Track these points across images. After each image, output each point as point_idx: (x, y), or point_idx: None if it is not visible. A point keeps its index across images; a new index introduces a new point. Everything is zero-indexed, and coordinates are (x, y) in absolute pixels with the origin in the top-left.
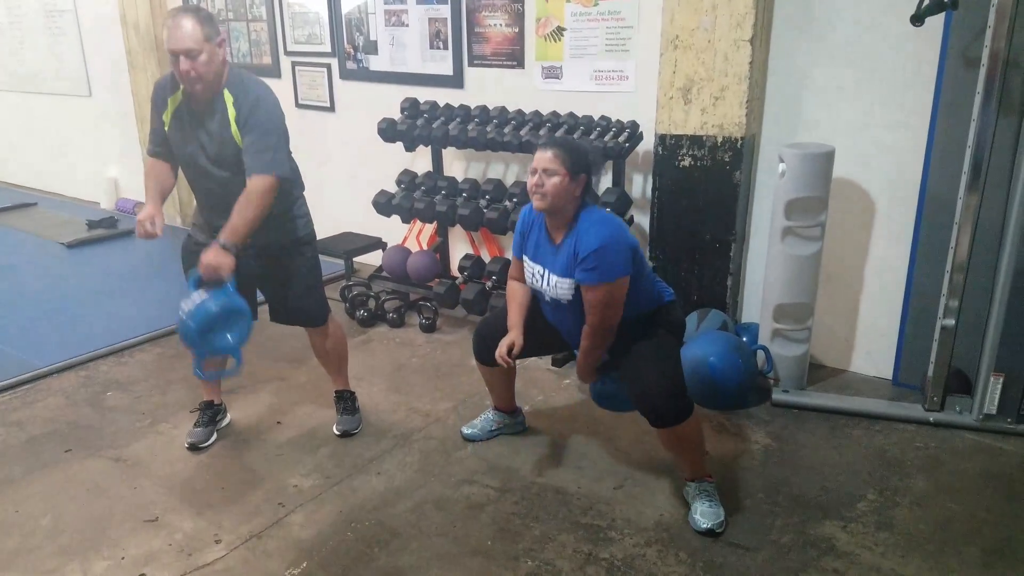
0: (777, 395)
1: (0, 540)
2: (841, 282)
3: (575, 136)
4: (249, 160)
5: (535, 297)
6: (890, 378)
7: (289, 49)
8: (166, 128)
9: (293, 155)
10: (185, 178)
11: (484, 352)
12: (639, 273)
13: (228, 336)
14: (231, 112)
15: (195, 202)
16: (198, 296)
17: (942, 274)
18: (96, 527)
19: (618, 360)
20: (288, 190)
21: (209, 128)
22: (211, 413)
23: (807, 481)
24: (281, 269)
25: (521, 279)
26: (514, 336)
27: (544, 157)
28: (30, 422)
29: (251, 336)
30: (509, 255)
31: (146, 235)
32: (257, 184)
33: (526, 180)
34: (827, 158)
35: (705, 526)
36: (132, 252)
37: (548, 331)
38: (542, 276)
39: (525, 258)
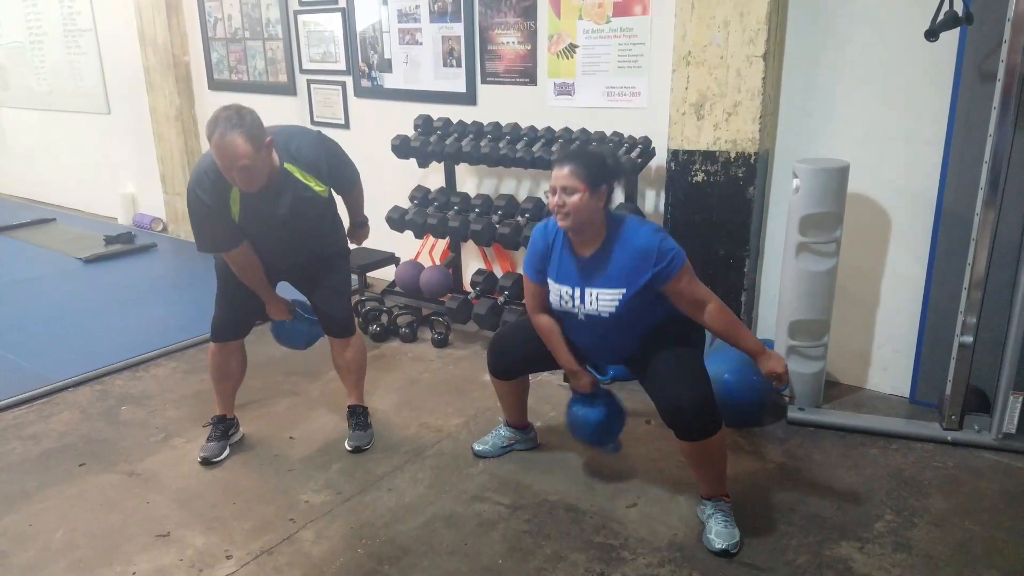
0: (793, 413)
1: (14, 554)
2: (857, 298)
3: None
4: (344, 178)
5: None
6: (907, 396)
7: (304, 67)
8: (235, 219)
9: None
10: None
11: (499, 366)
12: None
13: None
14: (301, 177)
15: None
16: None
17: (960, 290)
18: (108, 542)
19: (643, 369)
20: (334, 204)
21: (284, 201)
22: (224, 427)
23: (823, 501)
24: (320, 275)
25: (546, 309)
26: (584, 378)
27: (561, 175)
28: (45, 436)
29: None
30: (521, 270)
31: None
32: (359, 185)
33: (540, 196)
34: (842, 173)
35: (720, 546)
36: (148, 267)
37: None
38: (571, 296)
39: (550, 282)
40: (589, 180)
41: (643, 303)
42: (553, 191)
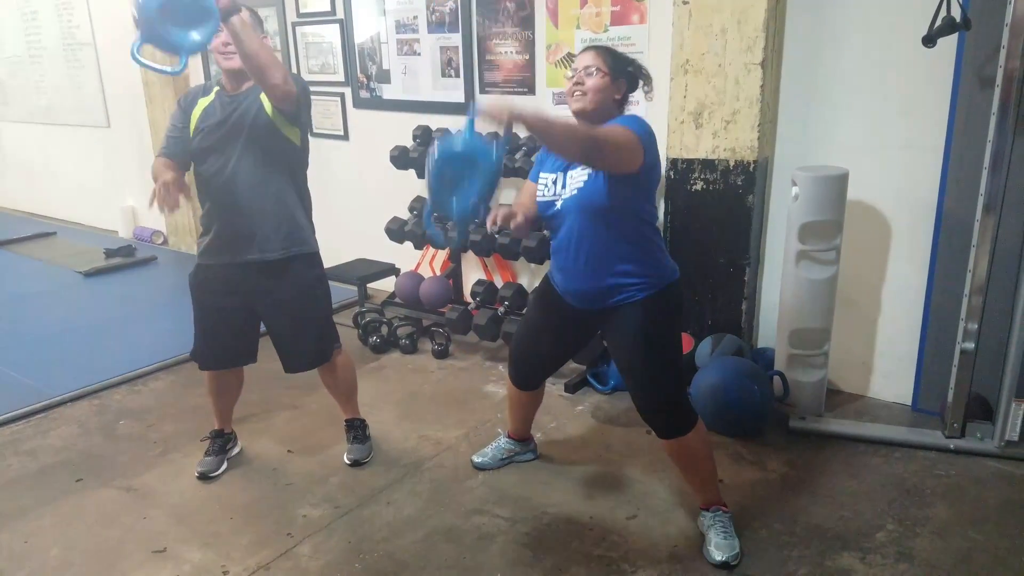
0: (794, 422)
1: (9, 573)
2: (858, 306)
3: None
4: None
5: (545, 296)
6: (909, 403)
7: (303, 79)
8: (191, 127)
9: (308, 183)
10: (197, 184)
11: (519, 376)
12: (648, 177)
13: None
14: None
15: (202, 224)
16: None
17: (961, 297)
18: (105, 559)
19: (619, 361)
20: (294, 185)
21: (244, 106)
22: (221, 442)
23: (825, 510)
24: (286, 301)
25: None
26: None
27: (585, 56)
28: (43, 451)
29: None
30: (522, 281)
31: (168, 200)
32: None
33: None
34: (841, 180)
35: (720, 558)
36: (148, 281)
37: (564, 331)
38: (555, 182)
39: (541, 174)
40: (612, 67)
41: (612, 196)
42: (573, 72)
